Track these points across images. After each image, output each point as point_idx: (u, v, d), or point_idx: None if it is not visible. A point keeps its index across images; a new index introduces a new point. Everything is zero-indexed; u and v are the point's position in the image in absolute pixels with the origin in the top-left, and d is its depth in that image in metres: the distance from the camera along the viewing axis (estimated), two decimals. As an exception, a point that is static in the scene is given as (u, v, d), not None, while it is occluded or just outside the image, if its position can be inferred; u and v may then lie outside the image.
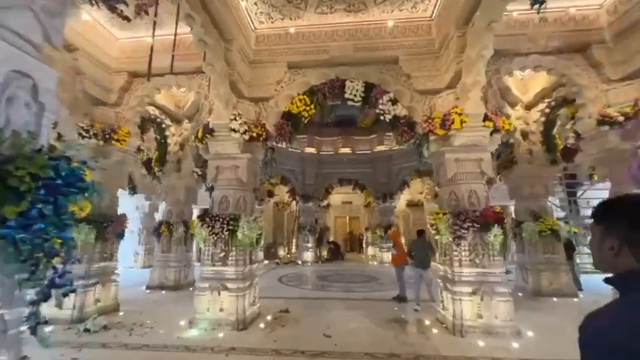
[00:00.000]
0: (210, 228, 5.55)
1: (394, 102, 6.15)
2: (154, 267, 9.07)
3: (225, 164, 5.95)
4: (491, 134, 5.43)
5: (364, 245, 22.61)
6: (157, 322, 5.70)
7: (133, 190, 13.04)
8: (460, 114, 5.28)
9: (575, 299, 7.50)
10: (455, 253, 5.27)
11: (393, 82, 6.17)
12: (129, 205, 14.82)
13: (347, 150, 16.50)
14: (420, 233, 7.72)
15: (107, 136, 6.17)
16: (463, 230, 5.12)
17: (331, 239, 22.58)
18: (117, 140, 6.25)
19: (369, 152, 16.42)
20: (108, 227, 6.13)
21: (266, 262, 15.79)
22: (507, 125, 5.74)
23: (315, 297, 7.86)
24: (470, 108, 5.26)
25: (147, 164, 9.70)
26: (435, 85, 5.91)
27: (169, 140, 9.09)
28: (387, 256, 15.24)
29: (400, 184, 15.62)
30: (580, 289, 8.19)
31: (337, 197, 23.06)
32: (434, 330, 5.21)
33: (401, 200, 17.52)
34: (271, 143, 6.39)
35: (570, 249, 8.38)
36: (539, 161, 8.20)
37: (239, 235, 5.55)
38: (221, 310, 5.37)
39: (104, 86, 6.41)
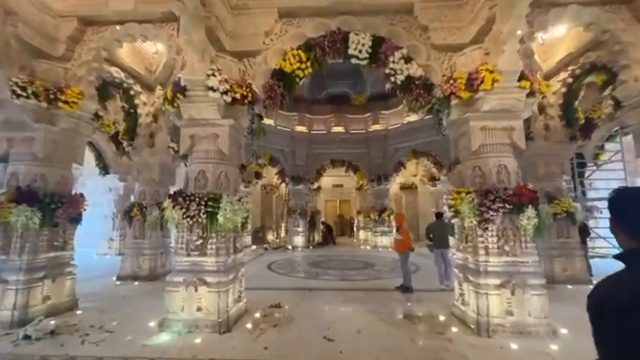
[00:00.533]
0: (184, 210, 4.47)
1: (408, 59, 5.09)
2: (125, 256, 7.94)
3: (202, 132, 4.81)
4: (526, 96, 4.48)
5: (354, 229, 21.99)
6: (121, 324, 4.67)
7: (104, 169, 11.72)
8: (491, 71, 4.29)
9: (590, 286, 6.88)
10: (480, 239, 4.40)
11: (406, 35, 5.09)
12: (101, 186, 13.52)
13: (340, 129, 15.42)
14: (439, 216, 7.49)
15: (52, 97, 4.88)
16: (492, 212, 4.24)
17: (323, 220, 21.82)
18: (66, 103, 4.98)
19: (363, 131, 15.40)
20: (57, 209, 4.95)
21: (254, 247, 14.85)
22: (544, 87, 4.80)
23: (310, 288, 6.97)
24: (504, 64, 4.26)
25: (115, 138, 8.40)
26: (458, 40, 4.87)
27: (139, 111, 7.77)
28: (381, 240, 14.55)
29: (395, 165, 14.75)
30: (591, 275, 7.61)
31: (327, 180, 22.13)
32: (454, 329, 4.40)
33: (393, 183, 16.71)
34: (259, 108, 5.27)
35: (584, 232, 7.73)
36: (556, 137, 7.38)
37: (220, 218, 4.50)
38: (199, 309, 4.38)
39: (47, 34, 5.05)
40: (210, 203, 4.49)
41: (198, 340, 4.06)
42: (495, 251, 4.33)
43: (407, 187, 18.91)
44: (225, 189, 4.78)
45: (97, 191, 15.14)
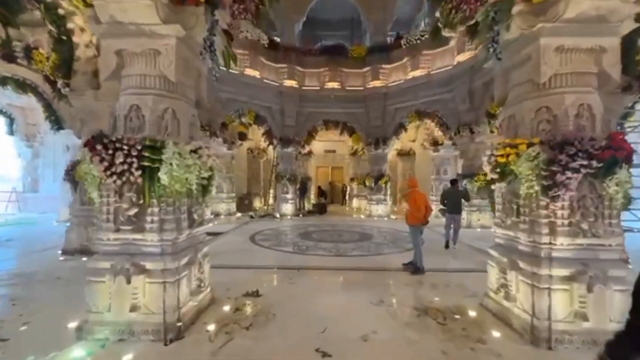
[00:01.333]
0: (106, 163, 2.91)
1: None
2: (70, 225, 6.42)
3: (134, 47, 3.11)
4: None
5: (347, 197, 20.81)
6: (31, 323, 3.27)
7: (56, 123, 9.78)
8: (591, -51, 2.66)
9: (630, 266, 5.78)
10: (543, 212, 3.02)
11: None
12: (58, 144, 11.63)
13: (335, 85, 13.53)
14: (454, 182, 7.76)
15: None
16: (568, 174, 2.82)
17: (313, 189, 20.52)
18: None
19: (361, 88, 13.56)
20: None
21: (239, 215, 13.48)
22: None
23: (299, 266, 5.66)
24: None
25: (48, 77, 6.52)
26: None
27: (76, 40, 5.85)
28: (377, 209, 13.34)
29: (396, 127, 13.15)
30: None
31: (319, 145, 20.49)
32: (495, 334, 3.15)
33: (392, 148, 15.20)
34: (223, 16, 3.52)
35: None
36: (607, 87, 5.87)
37: (164, 177, 2.97)
38: (134, 308, 2.97)
39: None
40: (147, 154, 2.92)
41: (129, 356, 2.69)
42: (566, 229, 2.97)
43: (404, 154, 17.48)
44: (173, 135, 3.19)
45: (59, 150, 13.29)
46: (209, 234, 8.94)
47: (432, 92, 11.93)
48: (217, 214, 13.21)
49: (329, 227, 10.59)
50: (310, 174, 19.64)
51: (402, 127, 13.06)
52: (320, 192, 15.90)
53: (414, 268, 5.28)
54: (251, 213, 13.55)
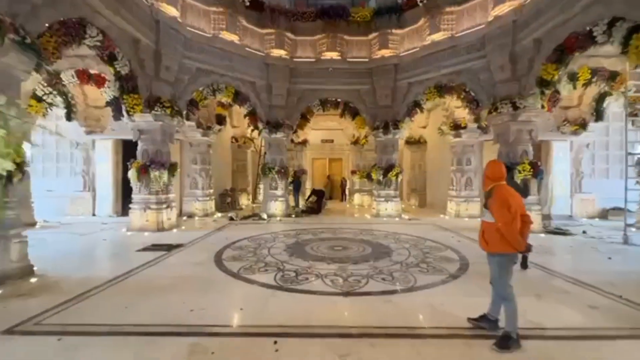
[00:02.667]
0: None
1: None
2: None
3: None
4: None
5: (347, 192, 18.22)
6: None
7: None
8: None
9: None
10: None
11: None
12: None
13: (334, 55, 10.80)
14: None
15: None
16: None
17: (308, 184, 17.90)
18: None
19: (365, 59, 10.86)
20: None
21: (218, 215, 10.83)
22: None
23: (280, 328, 3.03)
24: None
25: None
26: None
27: None
28: (386, 208, 10.75)
29: (409, 106, 10.50)
30: None
31: (315, 134, 17.85)
32: None
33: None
34: None
35: None
36: None
37: None
38: None
39: None
40: None
41: None
42: None
43: (413, 142, 14.89)
44: None
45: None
46: (158, 247, 6.36)
47: (458, 61, 9.28)
48: (190, 215, 10.54)
49: (328, 233, 7.97)
50: (306, 167, 17.00)
51: (417, 106, 10.41)
52: (316, 194, 13.23)
53: (504, 339, 2.65)
54: (232, 214, 10.86)
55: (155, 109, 7.59)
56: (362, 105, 11.07)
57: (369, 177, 14.45)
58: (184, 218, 10.38)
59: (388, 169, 10.71)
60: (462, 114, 10.73)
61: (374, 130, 10.86)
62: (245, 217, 10.53)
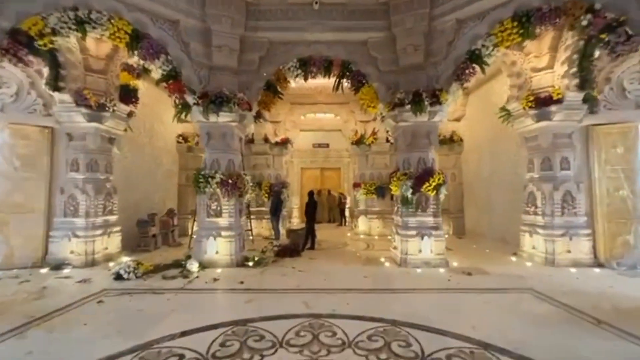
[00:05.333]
0: None
1: None
2: None
3: None
4: None
5: (346, 213, 13.21)
6: None
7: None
8: None
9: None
10: None
11: None
12: None
13: (321, -21, 6.05)
14: None
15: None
16: None
17: (296, 202, 12.99)
18: None
19: (377, -14, 6.10)
20: None
21: (125, 261, 5.55)
22: None
23: None
24: None
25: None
26: None
27: None
28: (420, 247, 5.64)
29: (458, 62, 5.61)
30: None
31: (305, 137, 13.15)
32: None
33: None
34: None
35: None
36: None
37: None
38: None
39: None
40: None
41: None
42: None
43: (441, 141, 9.87)
44: None
45: None
46: None
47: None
48: (58, 265, 5.50)
49: (305, 334, 2.88)
50: (290, 179, 12.07)
51: (474, 59, 5.52)
52: (308, 215, 8.10)
53: None
54: (120, 268, 5.32)
55: None
56: (372, 67, 6.20)
57: (379, 192, 9.48)
58: (44, 270, 5.35)
59: (422, 177, 5.71)
60: (548, 79, 5.89)
61: (392, 109, 5.93)
62: (154, 271, 5.39)
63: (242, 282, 4.78)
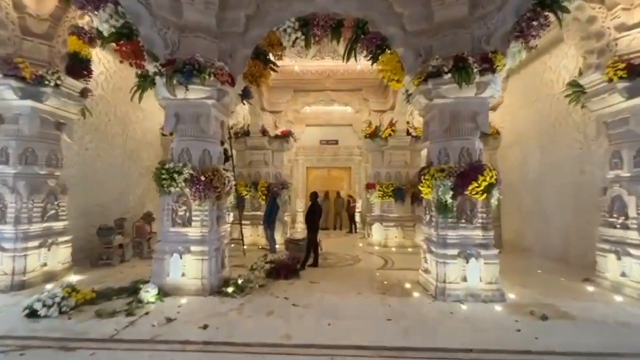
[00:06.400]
0: None
1: None
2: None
3: None
4: None
5: (356, 220, 11.54)
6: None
7: None
8: None
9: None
10: None
11: None
12: None
13: None
14: None
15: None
16: None
17: (299, 205, 11.46)
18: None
19: None
20: None
21: (64, 283, 4.03)
22: None
23: None
24: None
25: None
26: None
27: None
28: (464, 272, 3.84)
29: (519, 13, 3.94)
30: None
31: (311, 133, 11.65)
32: None
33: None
34: None
35: None
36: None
37: None
38: None
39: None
40: None
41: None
42: None
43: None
44: None
45: None
46: None
47: None
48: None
49: None
50: (294, 180, 10.53)
51: (548, 3, 3.82)
52: (309, 223, 6.37)
53: None
54: (39, 300, 3.44)
55: None
56: (396, 27, 4.56)
57: (397, 194, 7.82)
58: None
59: (467, 174, 4.03)
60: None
61: (424, 82, 4.26)
62: (95, 301, 3.86)
63: (205, 327, 3.19)
